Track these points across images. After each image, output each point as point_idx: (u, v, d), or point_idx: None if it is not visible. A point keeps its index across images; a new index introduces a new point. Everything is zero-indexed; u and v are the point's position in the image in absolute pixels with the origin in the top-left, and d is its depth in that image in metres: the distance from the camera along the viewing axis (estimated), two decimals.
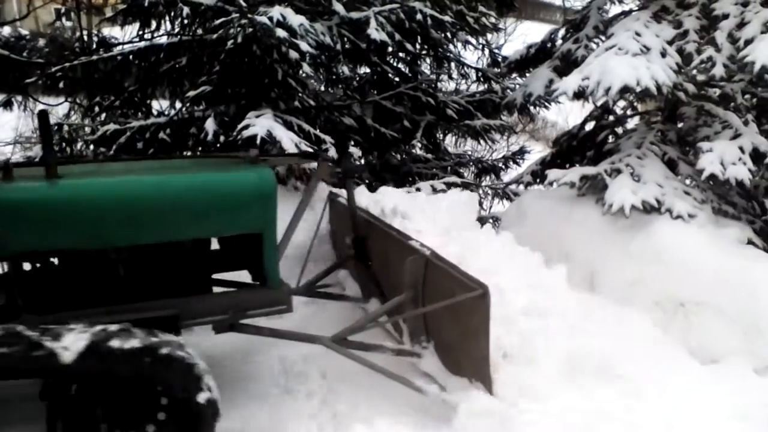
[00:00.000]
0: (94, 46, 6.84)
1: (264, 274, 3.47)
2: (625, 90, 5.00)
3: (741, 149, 5.15)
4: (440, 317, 3.53)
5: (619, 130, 6.85)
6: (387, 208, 4.61)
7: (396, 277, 3.83)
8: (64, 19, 7.59)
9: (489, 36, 8.57)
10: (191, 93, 6.37)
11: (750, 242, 5.05)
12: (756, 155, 5.23)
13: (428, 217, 4.49)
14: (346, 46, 6.63)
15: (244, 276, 3.80)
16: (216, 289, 3.71)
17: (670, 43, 5.30)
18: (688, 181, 5.61)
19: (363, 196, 4.90)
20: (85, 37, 7.38)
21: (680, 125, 6.07)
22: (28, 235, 2.89)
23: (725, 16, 5.14)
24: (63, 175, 3.00)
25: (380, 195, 4.94)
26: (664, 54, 5.17)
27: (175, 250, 3.34)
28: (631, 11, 6.36)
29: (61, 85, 6.51)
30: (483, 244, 4.27)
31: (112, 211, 3.00)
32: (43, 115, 3.17)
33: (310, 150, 5.30)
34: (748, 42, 4.85)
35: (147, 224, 3.09)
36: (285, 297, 3.53)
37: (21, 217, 2.85)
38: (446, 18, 6.56)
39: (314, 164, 4.90)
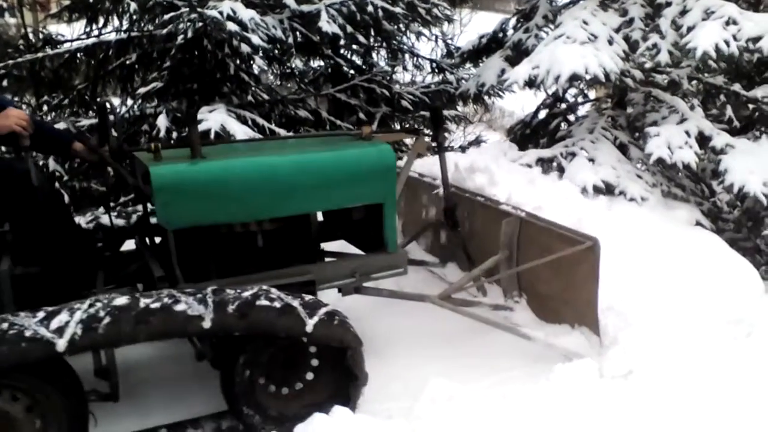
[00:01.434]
0: (40, 43, 6.66)
1: (383, 241, 3.73)
2: (574, 78, 5.10)
3: (687, 133, 5.30)
4: (537, 272, 3.81)
5: (571, 117, 6.98)
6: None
7: (484, 240, 4.21)
8: (7, 16, 7.37)
9: (445, 27, 8.62)
10: (142, 90, 6.29)
11: (698, 224, 5.21)
12: (702, 139, 5.39)
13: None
14: (299, 39, 6.61)
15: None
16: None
17: (617, 30, 5.41)
18: (639, 165, 5.75)
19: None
20: (30, 35, 7.20)
21: (629, 111, 6.22)
22: (186, 211, 3.15)
23: (668, 4, 5.27)
24: (206, 155, 3.28)
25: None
26: (611, 42, 5.28)
27: (304, 221, 3.64)
28: (578, 0, 6.48)
29: (5, 83, 6.34)
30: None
31: (260, 186, 3.30)
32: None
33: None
34: (690, 29, 4.99)
35: (288, 198, 3.39)
36: (403, 261, 3.83)
37: (181, 193, 3.11)
38: (397, 10, 6.60)
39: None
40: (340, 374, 3.10)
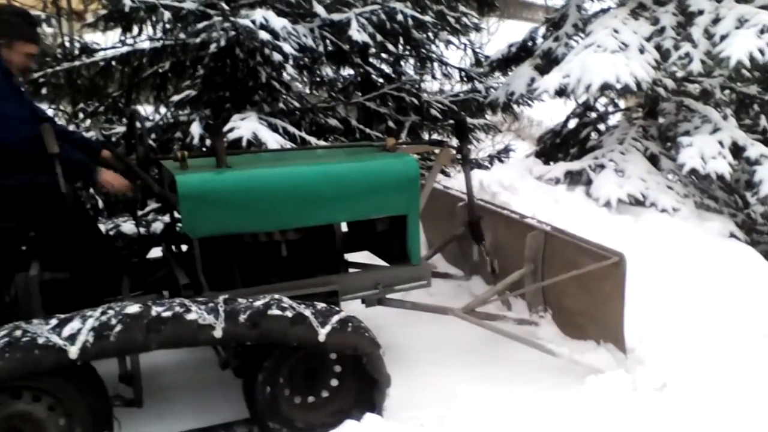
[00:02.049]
0: (77, 52, 6.79)
1: (407, 252, 3.74)
2: (605, 87, 5.06)
3: (720, 143, 5.23)
4: (562, 286, 3.77)
5: (602, 126, 6.92)
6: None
7: (509, 254, 4.19)
8: (45, 26, 7.55)
9: (472, 35, 8.59)
10: (175, 97, 6.37)
11: (732, 235, 5.12)
12: (735, 149, 5.31)
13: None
14: (329, 47, 6.63)
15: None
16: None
17: (648, 39, 5.37)
18: (670, 176, 5.68)
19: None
20: (67, 43, 7.35)
21: (661, 121, 6.14)
22: (212, 219, 3.18)
23: (700, 12, 5.22)
24: (232, 165, 3.31)
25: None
26: (642, 50, 5.23)
27: (328, 231, 3.66)
28: (609, 9, 6.42)
29: (43, 91, 6.47)
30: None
31: (285, 196, 3.33)
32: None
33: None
34: (723, 37, 4.93)
35: (312, 208, 3.42)
36: (426, 273, 3.82)
37: (207, 202, 3.14)
38: (427, 18, 6.59)
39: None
40: (363, 379, 3.10)
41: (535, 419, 3.14)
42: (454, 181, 4.99)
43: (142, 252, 3.88)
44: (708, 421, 3.14)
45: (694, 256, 4.65)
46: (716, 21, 5.08)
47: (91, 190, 5.79)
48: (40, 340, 2.53)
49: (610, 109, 7.15)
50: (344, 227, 3.94)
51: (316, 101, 7.28)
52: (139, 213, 5.13)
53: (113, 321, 2.63)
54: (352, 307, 3.62)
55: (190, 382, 3.64)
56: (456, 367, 3.76)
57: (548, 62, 6.41)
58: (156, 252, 3.96)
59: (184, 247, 3.84)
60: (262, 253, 3.54)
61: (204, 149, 5.80)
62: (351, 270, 3.94)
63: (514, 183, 4.68)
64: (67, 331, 2.59)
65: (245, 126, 5.43)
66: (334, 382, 3.15)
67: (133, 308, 2.71)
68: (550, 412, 3.19)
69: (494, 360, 3.81)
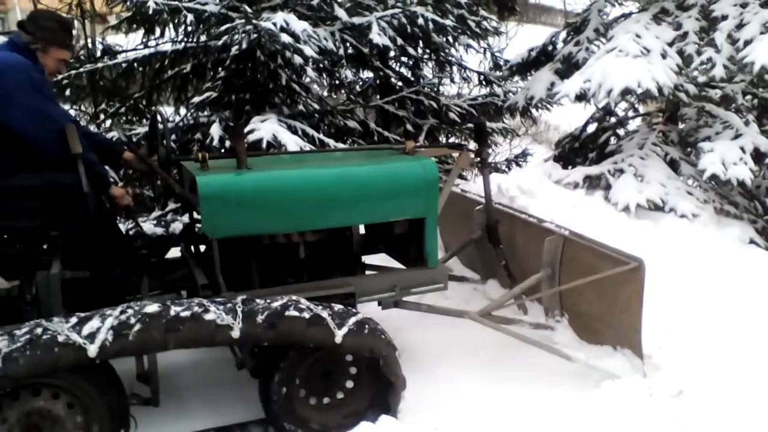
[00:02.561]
0: (99, 53, 6.87)
1: (424, 256, 3.73)
2: (626, 92, 5.04)
3: (742, 149, 5.19)
4: (579, 291, 3.74)
5: (621, 131, 6.87)
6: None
7: (526, 258, 4.17)
8: None
9: (491, 40, 8.58)
10: (196, 99, 6.42)
11: (752, 242, 5.07)
12: (757, 155, 5.27)
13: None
14: (349, 51, 6.67)
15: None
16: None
17: (671, 44, 5.33)
18: (690, 182, 5.63)
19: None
20: (90, 45, 7.44)
21: (681, 126, 6.10)
22: (231, 220, 3.19)
23: (724, 17, 5.17)
24: (252, 167, 3.33)
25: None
26: (664, 55, 5.20)
27: (346, 233, 3.68)
28: (631, 13, 6.39)
29: (67, 92, 6.56)
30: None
31: (304, 198, 3.34)
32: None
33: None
34: (747, 43, 4.88)
35: (331, 210, 3.42)
36: (443, 276, 3.81)
37: (226, 203, 3.15)
38: (447, 22, 6.59)
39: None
40: (378, 381, 3.11)
41: (550, 423, 3.13)
42: (472, 185, 4.97)
43: (161, 252, 3.90)
44: (724, 429, 3.11)
45: (713, 262, 4.61)
46: (740, 26, 5.04)
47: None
48: (60, 338, 2.56)
49: (630, 114, 7.11)
50: (362, 229, 3.95)
51: (335, 104, 7.31)
52: (159, 213, 5.17)
53: (132, 320, 2.66)
54: (368, 309, 3.63)
55: (206, 381, 3.66)
56: (471, 370, 3.75)
57: (569, 67, 6.39)
58: (175, 252, 3.99)
59: (202, 248, 3.86)
60: (280, 255, 3.55)
61: (223, 150, 5.85)
62: (368, 272, 3.94)
63: (533, 187, 4.66)
64: (86, 329, 2.61)
65: (265, 128, 5.46)
66: (350, 384, 3.16)
67: (152, 308, 2.73)
68: (565, 417, 3.18)
69: (509, 364, 3.80)
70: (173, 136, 6.46)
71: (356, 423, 2.98)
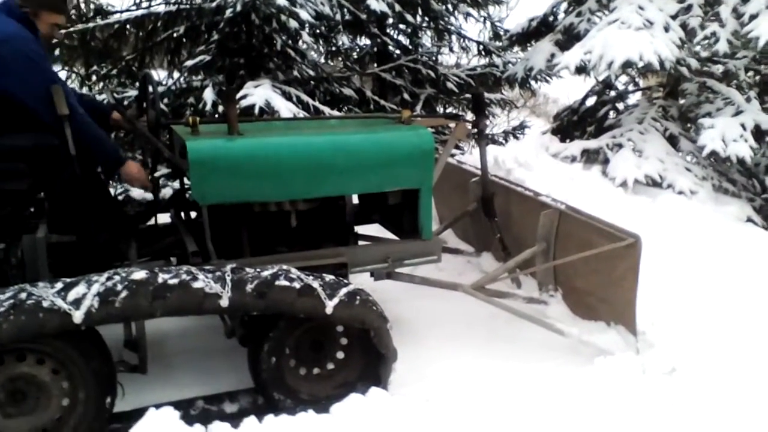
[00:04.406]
0: (91, 13, 6.73)
1: (418, 227, 3.70)
2: (627, 65, 4.96)
3: (743, 126, 5.13)
4: (574, 266, 3.73)
5: (620, 105, 6.80)
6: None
7: (521, 231, 4.15)
8: None
9: (491, 8, 8.45)
10: (189, 62, 6.30)
11: (749, 220, 5.03)
12: (758, 132, 5.21)
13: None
14: (346, 16, 6.55)
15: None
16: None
17: (674, 17, 5.24)
18: (689, 158, 5.58)
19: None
20: (82, 5, 7.27)
21: (682, 101, 6.03)
22: (221, 187, 3.14)
23: None
24: (243, 132, 3.27)
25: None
26: (667, 29, 5.11)
27: (339, 203, 3.64)
28: None
29: (57, 52, 6.43)
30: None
31: (296, 166, 3.28)
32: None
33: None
34: (753, 17, 4.81)
35: (324, 179, 3.36)
36: (437, 248, 3.77)
37: (217, 169, 3.10)
38: None
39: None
40: (369, 353, 3.08)
41: (541, 397, 3.11)
42: (468, 157, 4.91)
43: (150, 217, 3.84)
44: (716, 407, 3.10)
45: (710, 239, 4.58)
46: (746, 0, 4.94)
47: None
48: (45, 304, 2.50)
49: (630, 88, 7.03)
50: (355, 199, 3.89)
51: (331, 71, 7.19)
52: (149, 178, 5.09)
53: (119, 287, 2.60)
54: (359, 279, 3.59)
55: (195, 349, 3.62)
56: (463, 343, 3.74)
57: (569, 38, 6.29)
58: (164, 218, 3.92)
59: (193, 214, 3.80)
60: (271, 223, 3.50)
61: (216, 115, 5.75)
62: (361, 243, 3.90)
63: (530, 160, 4.61)
64: (72, 295, 2.56)
65: (258, 93, 5.37)
66: (340, 355, 3.13)
67: (140, 274, 2.67)
68: (557, 391, 3.16)
69: (502, 337, 3.78)
70: (165, 100, 6.36)
71: (346, 394, 2.93)
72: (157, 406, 2.67)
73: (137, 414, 2.68)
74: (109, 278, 2.64)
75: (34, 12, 3.14)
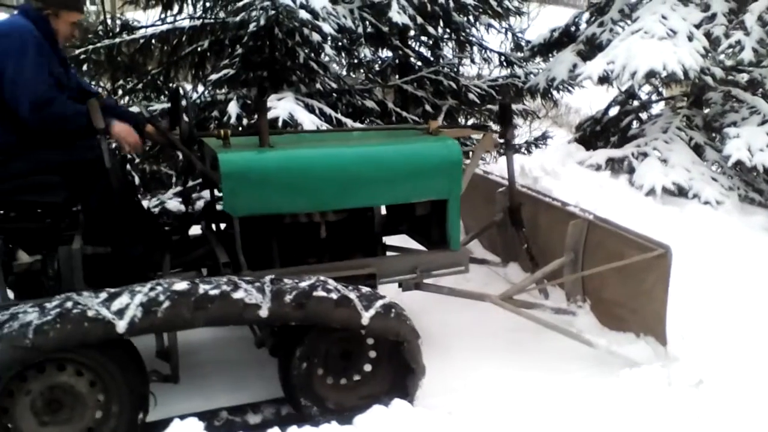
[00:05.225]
0: (118, 29, 6.84)
1: (446, 237, 3.70)
2: (651, 74, 4.96)
3: None
4: (603, 277, 3.70)
5: (644, 115, 6.77)
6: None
7: (549, 242, 4.13)
8: (88, 3, 7.60)
9: (512, 20, 8.47)
10: (213, 76, 6.37)
11: None
12: None
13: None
14: (368, 29, 6.59)
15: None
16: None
17: (698, 26, 5.23)
18: (714, 167, 5.55)
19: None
20: (109, 21, 7.39)
21: (706, 111, 6.00)
22: (252, 199, 3.18)
23: None
24: (274, 145, 3.31)
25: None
26: (691, 38, 5.10)
27: (368, 214, 3.67)
28: None
29: (84, 67, 6.54)
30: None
31: (326, 177, 3.32)
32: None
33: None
34: None
35: (353, 190, 3.39)
36: (464, 259, 3.78)
37: (248, 181, 3.14)
38: (468, 1, 6.50)
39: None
40: (398, 366, 3.08)
41: (566, 409, 3.09)
42: (494, 167, 4.91)
43: (182, 229, 3.89)
44: (743, 421, 3.06)
45: (737, 250, 4.55)
46: None
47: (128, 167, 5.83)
48: (90, 313, 2.55)
49: (654, 97, 7.00)
50: (384, 210, 3.92)
51: (354, 83, 7.24)
52: (179, 189, 5.15)
53: (161, 297, 2.65)
54: (386, 290, 3.60)
55: (224, 359, 3.65)
56: (489, 354, 3.73)
57: (591, 48, 6.30)
58: (196, 230, 3.97)
59: (223, 226, 3.84)
60: (301, 234, 3.53)
61: (240, 128, 5.82)
62: (389, 253, 3.92)
63: (556, 168, 4.59)
64: (116, 305, 2.60)
65: (282, 106, 5.42)
66: (368, 367, 3.14)
67: (181, 285, 2.72)
68: (582, 403, 3.14)
69: (529, 348, 3.77)
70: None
71: (372, 405, 2.95)
72: (182, 417, 2.70)
73: (162, 424, 2.71)
74: (151, 289, 2.69)
75: (54, 12, 3.19)
